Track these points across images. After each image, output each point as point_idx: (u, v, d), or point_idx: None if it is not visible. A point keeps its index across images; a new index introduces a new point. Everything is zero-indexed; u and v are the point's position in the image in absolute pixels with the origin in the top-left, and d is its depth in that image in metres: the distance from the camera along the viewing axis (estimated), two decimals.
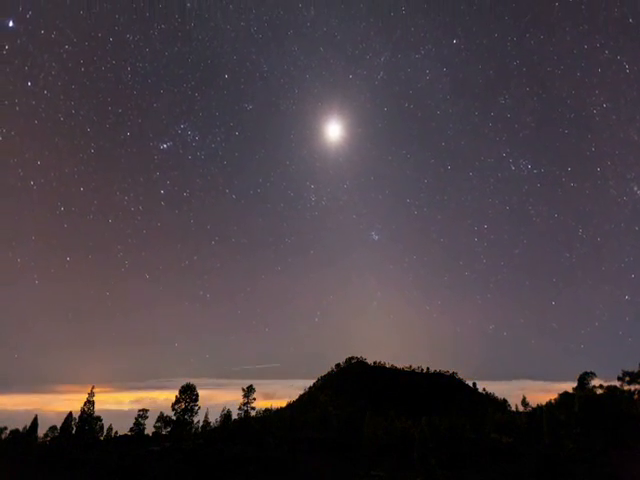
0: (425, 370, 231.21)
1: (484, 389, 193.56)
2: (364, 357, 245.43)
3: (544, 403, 62.11)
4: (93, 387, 59.73)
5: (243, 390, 63.90)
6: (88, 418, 57.11)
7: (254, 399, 63.89)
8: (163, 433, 56.65)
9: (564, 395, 50.33)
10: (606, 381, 46.49)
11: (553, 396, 57.45)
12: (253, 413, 65.51)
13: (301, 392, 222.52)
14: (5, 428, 61.17)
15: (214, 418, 72.83)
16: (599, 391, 45.24)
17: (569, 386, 52.12)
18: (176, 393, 56.41)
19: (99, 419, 59.06)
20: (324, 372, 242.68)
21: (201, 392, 58.89)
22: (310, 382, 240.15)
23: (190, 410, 55.36)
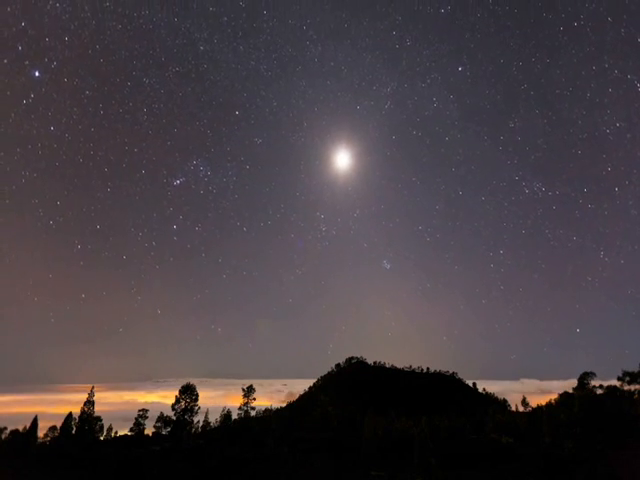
0: (425, 370, 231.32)
1: (484, 389, 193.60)
2: (364, 357, 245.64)
3: (544, 403, 62.18)
4: (93, 387, 59.76)
5: (243, 390, 63.92)
6: (88, 418, 57.11)
7: (254, 399, 63.91)
8: (163, 433, 56.65)
9: (564, 395, 50.32)
10: (606, 381, 46.51)
11: (553, 396, 57.52)
12: (253, 413, 65.53)
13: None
14: (5, 428, 61.19)
15: (214, 418, 72.95)
16: (599, 391, 45.23)
17: (569, 386, 52.15)
18: (176, 393, 56.48)
19: (99, 419, 59.06)
20: (324, 372, 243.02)
21: (201, 392, 58.98)
22: (310, 382, 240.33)
23: (190, 410, 55.33)
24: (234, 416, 68.55)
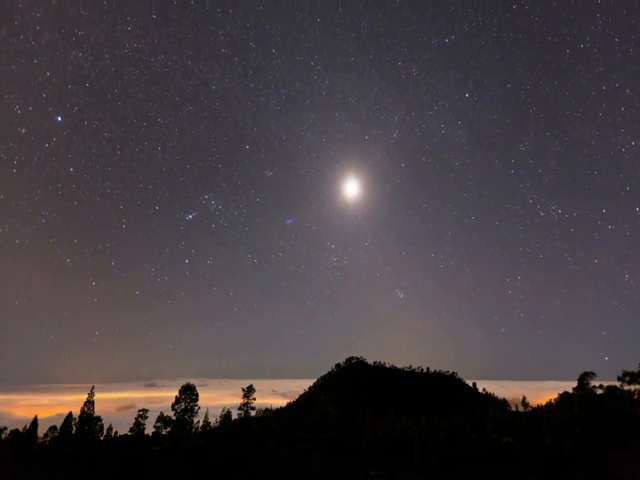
0: (425, 370, 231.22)
1: (484, 389, 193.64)
2: (364, 357, 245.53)
3: (544, 403, 62.19)
4: (93, 387, 59.78)
5: (243, 390, 63.93)
6: (88, 418, 57.11)
7: (254, 399, 63.92)
8: (163, 433, 56.64)
9: (564, 395, 50.29)
10: (606, 381, 46.49)
11: (553, 396, 57.49)
12: (253, 413, 65.54)
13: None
14: (5, 428, 61.20)
15: (214, 418, 72.96)
16: (599, 391, 45.22)
17: (569, 386, 52.10)
18: (176, 393, 56.48)
19: (99, 419, 59.06)
20: (324, 372, 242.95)
21: (201, 392, 58.97)
22: (310, 382, 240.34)
23: (190, 410, 55.32)
24: (234, 416, 68.62)
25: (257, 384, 65.82)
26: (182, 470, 38.41)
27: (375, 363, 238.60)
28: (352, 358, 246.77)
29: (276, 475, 37.78)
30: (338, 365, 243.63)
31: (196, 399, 56.42)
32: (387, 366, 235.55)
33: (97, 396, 59.75)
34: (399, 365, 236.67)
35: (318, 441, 52.11)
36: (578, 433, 41.49)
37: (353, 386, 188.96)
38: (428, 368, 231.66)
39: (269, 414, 78.65)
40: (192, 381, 58.82)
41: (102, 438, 60.06)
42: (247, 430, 58.55)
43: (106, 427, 62.03)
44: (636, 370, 42.77)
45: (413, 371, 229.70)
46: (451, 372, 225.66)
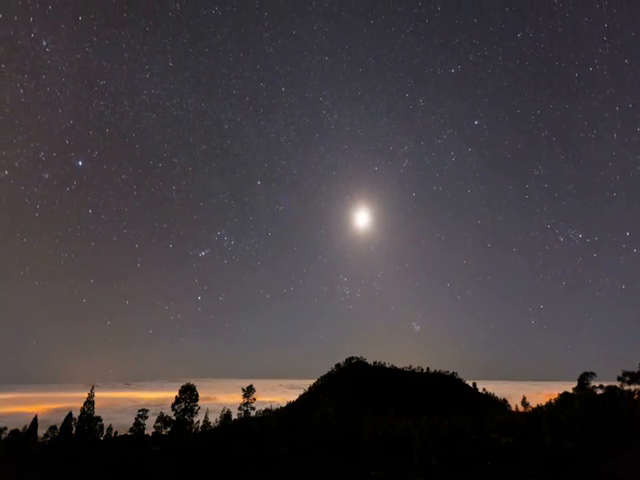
0: (425, 370, 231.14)
1: (484, 389, 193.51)
2: (364, 357, 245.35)
3: (544, 403, 62.17)
4: (93, 387, 59.76)
5: (243, 390, 63.91)
6: (88, 418, 57.10)
7: (254, 399, 63.88)
8: (163, 433, 56.62)
9: (564, 395, 50.35)
10: (606, 381, 46.50)
11: (553, 396, 57.49)
12: (253, 413, 65.50)
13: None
14: (5, 428, 61.21)
15: (214, 418, 72.92)
16: (599, 391, 45.25)
17: (569, 386, 52.14)
18: (176, 393, 56.46)
19: (99, 419, 59.05)
20: (324, 372, 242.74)
21: (201, 392, 58.96)
22: (310, 382, 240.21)
23: (190, 410, 55.31)
24: (234, 416, 68.57)
25: (257, 384, 65.74)
26: (182, 470, 38.42)
27: (375, 363, 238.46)
28: (352, 358, 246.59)
29: (276, 475, 37.79)
30: (338, 365, 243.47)
31: (196, 399, 56.39)
32: (387, 366, 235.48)
33: (97, 396, 59.79)
34: (399, 365, 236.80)
35: (318, 441, 52.13)
36: (578, 433, 41.51)
37: (353, 386, 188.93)
38: (428, 368, 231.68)
39: (269, 414, 78.68)
40: (192, 381, 58.83)
41: (102, 438, 60.06)
42: (247, 430, 58.55)
43: (106, 427, 62.05)
44: (636, 370, 42.82)
45: (413, 371, 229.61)
46: (451, 372, 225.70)
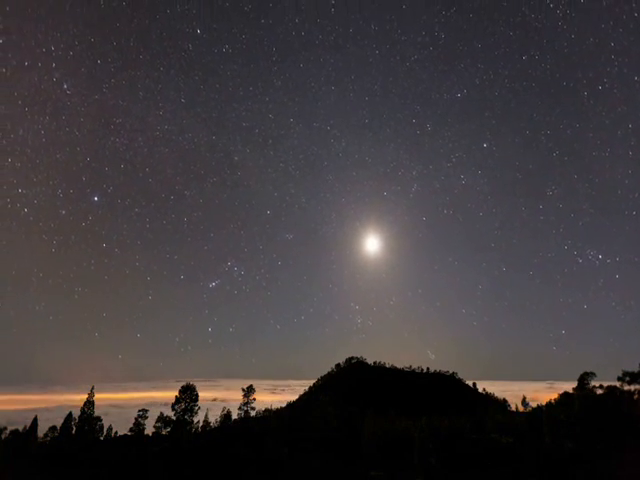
0: (425, 370, 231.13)
1: (484, 389, 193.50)
2: (364, 357, 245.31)
3: (544, 403, 62.13)
4: (93, 387, 59.74)
5: (243, 390, 63.92)
6: (88, 418, 57.08)
7: (254, 399, 63.86)
8: (163, 433, 56.60)
9: (564, 395, 50.30)
10: (606, 381, 46.49)
11: (553, 396, 57.44)
12: (253, 413, 65.49)
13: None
14: (5, 428, 61.17)
15: (214, 418, 72.92)
16: (599, 391, 45.22)
17: (569, 386, 52.09)
18: (176, 393, 56.45)
19: (99, 419, 59.03)
20: (324, 372, 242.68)
21: (201, 392, 58.93)
22: (310, 382, 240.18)
23: (190, 410, 55.29)
24: (234, 416, 68.55)
25: (257, 384, 65.71)
26: (182, 470, 38.42)
27: (375, 363, 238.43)
28: (352, 358, 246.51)
29: (276, 475, 37.79)
30: (338, 365, 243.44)
31: (196, 399, 56.38)
32: (387, 366, 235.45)
33: (97, 396, 59.79)
34: (399, 365, 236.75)
35: (318, 441, 52.12)
36: (578, 433, 41.49)
37: (353, 386, 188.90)
38: (428, 368, 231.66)
39: (269, 414, 78.67)
40: (192, 381, 58.81)
41: (102, 438, 60.03)
42: (247, 430, 58.54)
43: (106, 427, 62.03)
44: (636, 370, 42.80)
45: (413, 371, 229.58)
46: (451, 372, 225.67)
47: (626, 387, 42.84)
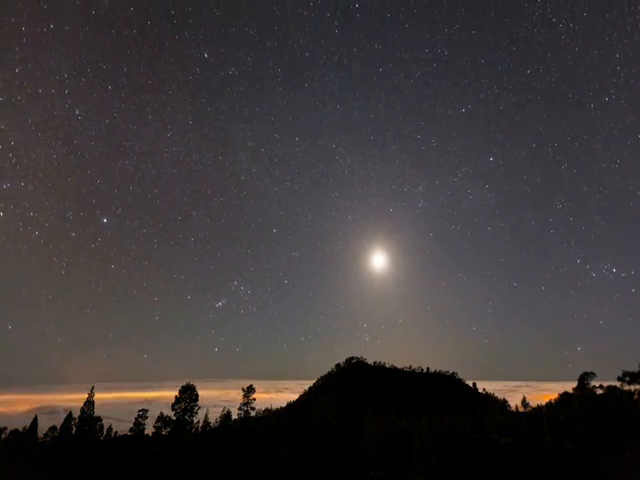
0: (425, 370, 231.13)
1: (484, 389, 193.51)
2: (364, 357, 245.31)
3: (544, 403, 62.15)
4: (93, 387, 59.74)
5: (243, 390, 63.89)
6: (88, 418, 57.07)
7: (254, 399, 63.84)
8: (163, 433, 56.58)
9: (564, 395, 50.33)
10: (606, 381, 46.48)
11: (553, 396, 57.48)
12: (253, 413, 65.47)
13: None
14: (5, 428, 61.15)
15: (214, 418, 72.87)
16: (599, 391, 45.22)
17: (569, 386, 52.10)
18: (176, 393, 56.43)
19: (99, 419, 59.02)
20: (324, 372, 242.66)
21: (201, 392, 58.89)
22: (310, 382, 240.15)
23: (190, 410, 55.27)
24: (234, 416, 68.53)
25: (257, 384, 65.73)
26: (182, 470, 38.42)
27: (375, 363, 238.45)
28: (352, 358, 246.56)
29: (276, 475, 37.79)
30: (338, 365, 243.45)
31: (196, 399, 56.36)
32: (387, 366, 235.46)
33: (97, 396, 59.80)
34: (399, 365, 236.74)
35: (318, 441, 52.10)
36: (578, 433, 41.48)
37: (353, 386, 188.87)
38: (428, 368, 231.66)
39: (269, 414, 78.68)
40: (192, 381, 58.81)
41: (102, 438, 60.01)
42: (247, 430, 58.52)
43: (106, 427, 62.02)
44: (636, 370, 42.79)
45: (413, 371, 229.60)
46: (451, 372, 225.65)
47: (626, 387, 42.83)
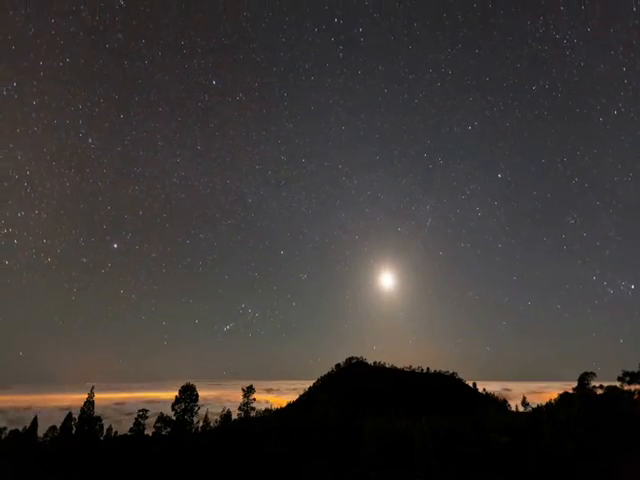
0: (425, 370, 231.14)
1: (484, 389, 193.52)
2: (364, 357, 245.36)
3: (544, 403, 62.13)
4: (93, 387, 59.76)
5: (243, 390, 63.87)
6: (88, 418, 57.06)
7: (254, 399, 63.84)
8: (163, 433, 56.56)
9: (564, 395, 50.29)
10: (606, 381, 46.49)
11: (553, 396, 57.46)
12: (253, 413, 65.47)
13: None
14: (5, 428, 61.17)
15: (214, 418, 72.81)
16: (599, 391, 45.22)
17: (569, 386, 52.09)
18: (176, 393, 56.43)
19: (99, 419, 59.01)
20: (324, 372, 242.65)
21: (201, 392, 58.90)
22: (310, 382, 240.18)
23: (190, 410, 55.27)
24: (234, 416, 68.52)
25: (257, 384, 65.72)
26: (182, 470, 38.42)
27: (375, 363, 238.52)
28: (352, 358, 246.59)
29: (276, 476, 37.78)
30: (338, 365, 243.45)
31: (196, 399, 56.37)
32: (387, 366, 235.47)
33: (97, 396, 59.81)
34: (399, 365, 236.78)
35: (318, 441, 52.10)
36: (578, 433, 41.47)
37: (353, 386, 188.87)
38: (428, 368, 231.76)
39: (269, 414, 78.57)
40: (192, 381, 58.80)
41: (102, 438, 60.01)
42: (247, 430, 58.51)
43: (106, 427, 62.03)
44: (636, 370, 42.79)
45: (413, 371, 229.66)
46: (451, 372, 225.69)
47: (626, 387, 42.83)
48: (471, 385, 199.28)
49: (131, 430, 58.40)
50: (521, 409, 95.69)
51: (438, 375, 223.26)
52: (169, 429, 55.59)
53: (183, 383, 57.63)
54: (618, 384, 43.49)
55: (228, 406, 72.72)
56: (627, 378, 42.83)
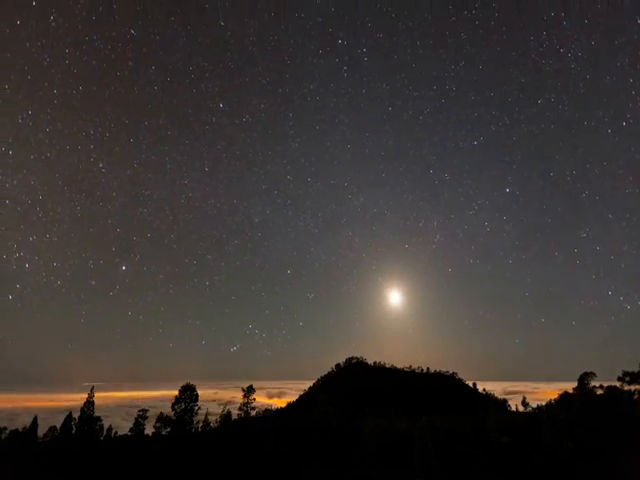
0: (425, 370, 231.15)
1: (484, 389, 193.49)
2: (364, 357, 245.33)
3: (544, 403, 62.13)
4: (93, 387, 59.74)
5: (243, 390, 63.88)
6: (88, 418, 57.06)
7: (254, 399, 63.84)
8: (163, 433, 56.57)
9: (564, 395, 50.30)
10: (606, 381, 46.50)
11: (553, 396, 57.46)
12: (253, 413, 65.47)
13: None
14: (5, 428, 61.17)
15: (214, 418, 72.82)
16: (599, 391, 45.24)
17: (569, 386, 52.12)
18: (176, 393, 56.41)
19: (99, 419, 59.01)
20: (324, 372, 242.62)
21: (201, 392, 58.90)
22: (310, 382, 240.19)
23: (190, 410, 55.27)
24: (234, 416, 68.52)
25: (257, 384, 65.72)
26: (182, 470, 38.42)
27: (375, 363, 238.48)
28: (352, 358, 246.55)
29: (276, 476, 37.78)
30: (338, 365, 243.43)
31: (196, 399, 56.37)
32: (387, 366, 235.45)
33: (97, 396, 59.80)
34: (399, 365, 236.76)
35: (318, 441, 52.11)
36: (578, 433, 41.48)
37: (353, 386, 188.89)
38: (428, 368, 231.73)
39: (269, 414, 78.63)
40: (192, 381, 58.79)
41: (102, 438, 60.01)
42: (247, 430, 58.53)
43: (106, 427, 62.00)
44: (636, 370, 42.80)
45: (413, 371, 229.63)
46: (451, 372, 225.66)
47: (626, 387, 42.86)
48: (471, 385, 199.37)
49: (131, 430, 58.43)
50: (521, 409, 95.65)
51: (438, 375, 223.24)
52: (169, 429, 55.60)
53: (183, 383, 57.67)
54: (618, 384, 43.51)
55: (228, 406, 72.70)
56: (627, 378, 42.84)
